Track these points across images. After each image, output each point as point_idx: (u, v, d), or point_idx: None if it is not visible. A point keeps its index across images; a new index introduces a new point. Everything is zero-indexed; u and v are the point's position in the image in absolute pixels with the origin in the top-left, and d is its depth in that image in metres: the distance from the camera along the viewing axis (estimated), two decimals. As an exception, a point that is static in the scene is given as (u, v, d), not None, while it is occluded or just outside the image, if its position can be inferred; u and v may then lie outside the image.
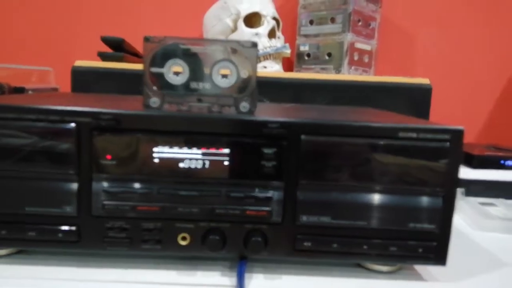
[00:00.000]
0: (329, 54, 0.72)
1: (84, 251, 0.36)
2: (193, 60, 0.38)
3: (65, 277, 0.35)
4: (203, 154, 0.35)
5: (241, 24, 0.68)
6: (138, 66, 0.68)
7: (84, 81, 0.65)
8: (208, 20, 0.73)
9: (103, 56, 0.69)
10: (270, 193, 0.35)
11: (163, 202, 0.35)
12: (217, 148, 0.35)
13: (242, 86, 0.38)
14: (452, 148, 0.36)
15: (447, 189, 0.36)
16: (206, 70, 0.38)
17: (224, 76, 0.38)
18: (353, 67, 0.71)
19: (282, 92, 0.66)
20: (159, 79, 0.38)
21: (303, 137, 0.35)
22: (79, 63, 0.66)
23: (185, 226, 0.36)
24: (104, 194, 0.35)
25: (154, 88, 0.38)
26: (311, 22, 0.74)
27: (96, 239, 0.35)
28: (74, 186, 0.35)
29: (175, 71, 0.38)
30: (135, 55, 0.76)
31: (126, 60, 0.70)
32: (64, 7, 0.91)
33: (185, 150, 0.35)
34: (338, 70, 0.71)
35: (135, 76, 0.66)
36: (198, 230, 0.36)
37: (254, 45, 0.38)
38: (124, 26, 0.88)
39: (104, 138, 0.34)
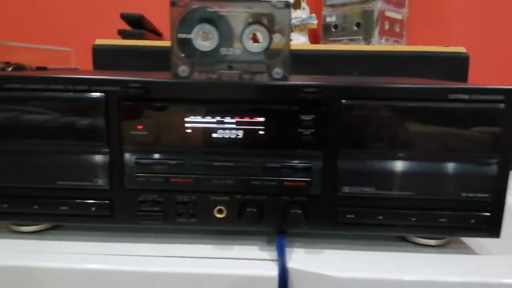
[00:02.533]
0: (358, 24, 0.68)
1: (117, 225, 0.35)
2: (222, 25, 0.36)
3: (98, 251, 0.34)
4: (237, 123, 0.33)
5: (264, -4, 0.65)
6: (159, 43, 0.66)
7: (105, 59, 0.64)
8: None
9: (123, 34, 0.67)
10: (308, 163, 0.33)
11: (197, 174, 0.34)
12: (252, 117, 0.33)
13: (275, 51, 0.36)
14: (507, 110, 0.32)
15: (503, 154, 0.33)
16: (236, 35, 0.36)
17: (256, 40, 0.36)
18: (384, 38, 0.68)
19: (309, 66, 0.63)
20: (187, 46, 0.36)
21: (343, 101, 0.33)
22: (100, 41, 0.65)
23: (220, 198, 0.34)
24: (136, 166, 0.33)
25: (182, 55, 0.36)
26: (338, -8, 0.70)
27: (129, 213, 0.34)
28: (106, 158, 0.33)
29: (204, 37, 0.36)
30: (154, 33, 0.75)
31: (146, 37, 0.68)
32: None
33: (218, 119, 0.33)
34: (368, 41, 0.67)
35: (157, 53, 0.65)
36: (234, 202, 0.34)
37: (287, 5, 0.35)
38: (143, 3, 0.86)
39: (134, 107, 0.33)
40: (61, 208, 0.34)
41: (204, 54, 0.36)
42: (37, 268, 0.32)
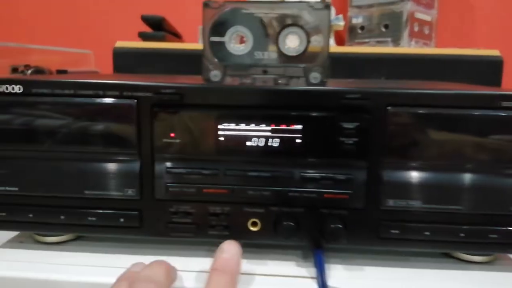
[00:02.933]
0: (386, 26, 0.66)
1: (146, 237, 0.33)
2: (257, 27, 0.34)
3: (124, 265, 0.32)
4: (273, 131, 0.32)
5: (289, -3, 0.64)
6: (181, 45, 0.65)
7: (125, 62, 0.63)
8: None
9: (144, 36, 0.66)
10: (350, 174, 0.31)
11: (231, 184, 0.32)
12: (288, 124, 0.31)
13: (313, 54, 0.34)
14: None
15: (562, 167, 0.30)
16: (272, 38, 0.34)
17: (292, 43, 0.34)
18: (413, 40, 0.65)
19: (335, 68, 0.61)
20: (220, 49, 0.34)
21: (389, 108, 0.30)
22: (120, 44, 0.63)
23: (255, 210, 0.32)
24: (168, 176, 0.32)
25: (215, 60, 0.34)
26: (364, -8, 0.68)
27: (159, 225, 0.33)
28: (136, 167, 0.32)
29: (238, 40, 0.34)
30: (174, 35, 0.73)
31: (166, 40, 0.67)
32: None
33: (252, 127, 0.32)
34: (396, 43, 0.65)
35: (178, 56, 0.63)
36: (269, 215, 0.32)
37: (327, 6, 0.34)
38: (163, 6, 0.85)
39: (167, 114, 0.31)
40: (89, 218, 0.32)
41: (237, 58, 0.34)
42: (60, 282, 0.31)
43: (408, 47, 0.64)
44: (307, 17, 0.33)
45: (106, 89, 0.31)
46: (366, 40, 0.68)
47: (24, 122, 0.32)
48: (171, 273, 0.28)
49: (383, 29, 0.66)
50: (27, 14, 0.94)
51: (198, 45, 0.64)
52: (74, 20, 0.91)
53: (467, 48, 0.63)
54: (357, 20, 0.69)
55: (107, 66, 0.71)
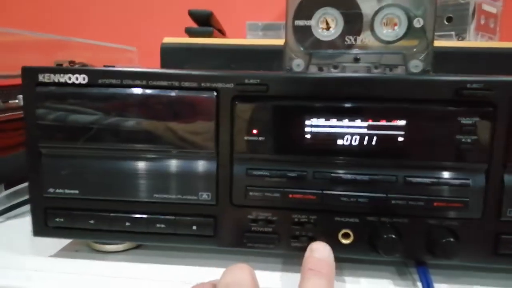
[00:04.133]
0: (449, 19, 0.61)
1: (220, 247, 0.29)
2: (349, 8, 0.30)
3: (193, 278, 0.28)
4: (369, 127, 0.27)
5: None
6: (232, 41, 0.61)
7: (173, 58, 0.60)
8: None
9: (191, 32, 0.63)
10: (467, 178, 0.26)
11: (321, 189, 0.28)
12: (389, 120, 0.27)
13: (414, 39, 0.29)
14: None
15: None
16: (366, 20, 0.30)
17: (390, 27, 0.30)
18: (480, 34, 0.60)
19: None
20: (306, 34, 0.30)
21: (517, 101, 0.26)
22: (168, 40, 0.60)
23: (348, 220, 0.28)
24: (248, 178, 0.28)
25: (299, 47, 0.30)
26: (423, -17, 0.63)
27: (235, 234, 0.28)
28: (212, 168, 0.28)
29: (326, 24, 0.30)
30: (219, 31, 0.70)
31: (214, 36, 0.64)
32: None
33: (345, 122, 0.27)
34: (461, 37, 0.60)
35: (228, 52, 0.60)
36: (365, 226, 0.28)
37: (431, -17, 0.29)
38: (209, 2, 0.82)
39: (250, 108, 0.27)
40: (157, 225, 0.29)
41: (325, 44, 0.30)
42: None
43: (475, 41, 0.59)
44: (407, -4, 0.29)
45: (182, 79, 0.27)
46: (426, 34, 0.63)
47: (87, 117, 0.28)
48: (256, 279, 0.24)
49: (446, 22, 0.61)
50: (64, 8, 0.92)
51: (248, 41, 0.61)
52: (117, 16, 0.89)
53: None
54: (417, 13, 0.64)
55: (148, 63, 0.68)
